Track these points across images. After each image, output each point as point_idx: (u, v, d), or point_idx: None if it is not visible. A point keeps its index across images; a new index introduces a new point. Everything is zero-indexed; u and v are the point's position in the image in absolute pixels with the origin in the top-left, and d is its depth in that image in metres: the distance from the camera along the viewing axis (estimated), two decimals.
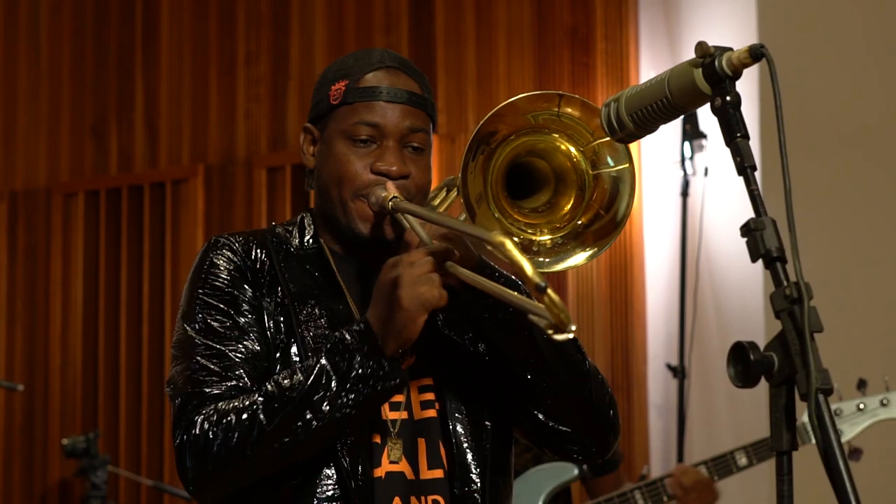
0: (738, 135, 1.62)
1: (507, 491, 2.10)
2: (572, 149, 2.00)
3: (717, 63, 1.64)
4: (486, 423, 2.06)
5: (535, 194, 2.03)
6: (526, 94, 1.96)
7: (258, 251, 2.08)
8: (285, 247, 2.10)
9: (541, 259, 1.99)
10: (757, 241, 1.57)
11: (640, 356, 5.03)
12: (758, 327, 4.68)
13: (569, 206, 2.01)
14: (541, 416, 2.04)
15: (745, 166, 1.61)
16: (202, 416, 1.92)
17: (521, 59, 5.31)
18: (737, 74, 1.64)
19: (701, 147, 4.89)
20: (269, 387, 1.91)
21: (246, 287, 2.03)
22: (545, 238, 2.00)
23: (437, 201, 2.16)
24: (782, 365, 1.54)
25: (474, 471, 2.01)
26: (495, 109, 1.95)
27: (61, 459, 5.85)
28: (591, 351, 5.08)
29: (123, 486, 5.87)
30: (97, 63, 6.22)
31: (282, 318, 2.02)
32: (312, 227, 2.13)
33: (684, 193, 4.90)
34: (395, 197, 2.00)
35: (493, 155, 1.96)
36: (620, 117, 1.77)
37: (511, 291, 1.81)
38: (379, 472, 1.99)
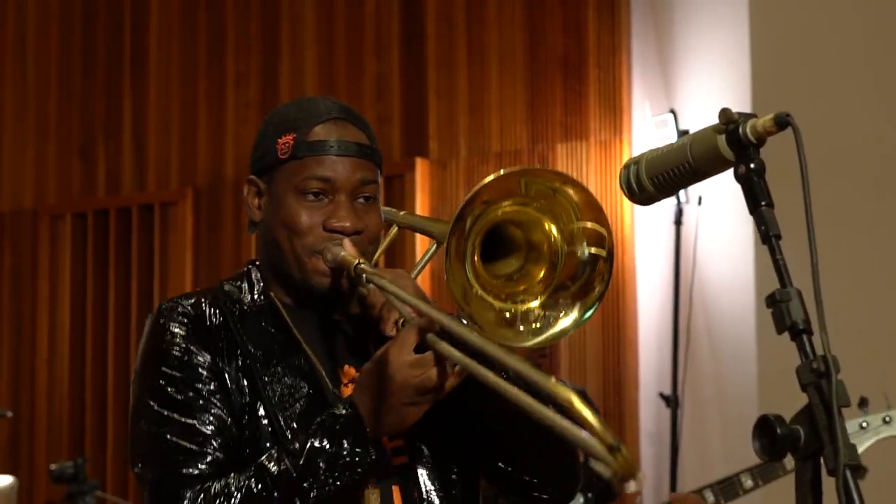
0: (763, 203, 1.61)
1: None
2: (553, 227, 1.98)
3: (740, 130, 1.62)
4: (454, 468, 2.07)
5: (504, 259, 2.02)
6: (545, 169, 1.95)
7: (212, 311, 2.05)
8: (238, 305, 2.08)
9: (535, 325, 1.97)
10: (783, 313, 1.55)
11: (632, 383, 5.02)
12: (750, 356, 4.68)
13: (542, 273, 2.00)
14: (507, 468, 2.05)
15: (769, 235, 1.60)
16: (188, 498, 1.92)
17: (513, 85, 5.29)
18: (760, 142, 1.62)
19: None
20: (256, 473, 1.91)
21: (204, 352, 2.01)
22: (534, 305, 1.98)
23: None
24: (809, 439, 1.53)
25: None
26: (498, 175, 1.93)
27: (47, 483, 5.80)
28: (583, 378, 5.06)
29: None
30: (85, 83, 6.18)
31: (245, 381, 2.01)
32: (261, 282, 2.12)
33: (678, 222, 4.90)
34: (359, 263, 1.99)
35: (479, 217, 1.94)
36: (641, 180, 1.75)
37: (556, 416, 1.63)
38: None
